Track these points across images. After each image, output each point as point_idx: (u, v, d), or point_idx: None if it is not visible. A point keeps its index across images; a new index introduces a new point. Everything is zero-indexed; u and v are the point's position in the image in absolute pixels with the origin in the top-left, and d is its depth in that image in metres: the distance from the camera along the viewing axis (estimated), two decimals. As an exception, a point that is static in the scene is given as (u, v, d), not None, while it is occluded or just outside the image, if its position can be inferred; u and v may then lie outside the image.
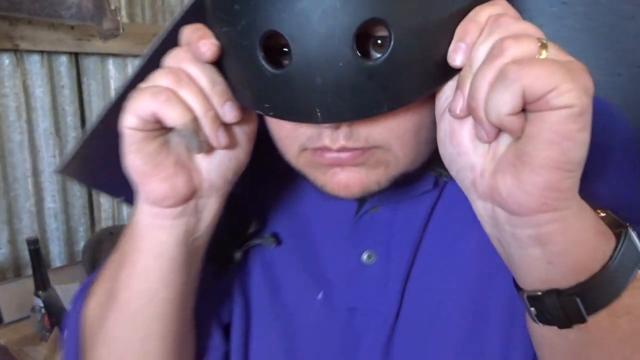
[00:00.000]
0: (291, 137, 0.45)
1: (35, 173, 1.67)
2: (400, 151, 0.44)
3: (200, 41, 0.41)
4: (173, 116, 0.41)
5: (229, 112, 0.43)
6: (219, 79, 0.43)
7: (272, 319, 0.58)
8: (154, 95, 0.40)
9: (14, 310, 1.48)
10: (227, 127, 0.44)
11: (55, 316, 1.33)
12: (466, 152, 0.39)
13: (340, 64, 0.36)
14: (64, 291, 1.39)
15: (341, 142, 0.42)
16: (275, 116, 0.41)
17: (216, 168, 0.46)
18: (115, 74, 1.85)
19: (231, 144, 0.45)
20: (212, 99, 0.42)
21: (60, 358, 1.24)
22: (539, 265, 0.37)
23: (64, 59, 1.71)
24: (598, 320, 0.37)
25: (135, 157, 0.43)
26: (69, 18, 1.55)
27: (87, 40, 1.70)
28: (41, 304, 1.34)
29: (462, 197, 0.42)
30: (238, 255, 0.58)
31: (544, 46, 0.34)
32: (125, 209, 1.93)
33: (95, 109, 1.81)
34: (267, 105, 0.40)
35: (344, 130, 0.42)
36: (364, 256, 0.54)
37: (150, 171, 0.43)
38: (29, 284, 1.41)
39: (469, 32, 0.37)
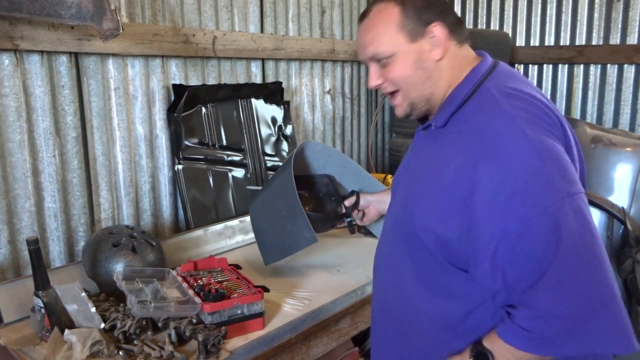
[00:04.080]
0: None
1: (35, 173, 1.67)
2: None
3: None
4: None
5: None
6: None
7: None
8: None
9: (14, 310, 1.48)
10: None
11: (55, 316, 1.33)
12: None
13: None
14: (64, 291, 1.39)
15: None
16: None
17: None
18: (115, 74, 1.85)
19: None
20: None
21: (60, 358, 1.24)
22: None
23: (63, 58, 1.71)
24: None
25: None
26: (69, 18, 1.55)
27: (87, 40, 1.70)
28: (41, 304, 1.34)
29: None
30: None
31: None
32: (125, 209, 1.93)
33: (95, 109, 1.81)
34: None
35: None
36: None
37: None
38: (29, 284, 1.41)
39: None
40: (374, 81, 1.10)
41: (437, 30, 1.03)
